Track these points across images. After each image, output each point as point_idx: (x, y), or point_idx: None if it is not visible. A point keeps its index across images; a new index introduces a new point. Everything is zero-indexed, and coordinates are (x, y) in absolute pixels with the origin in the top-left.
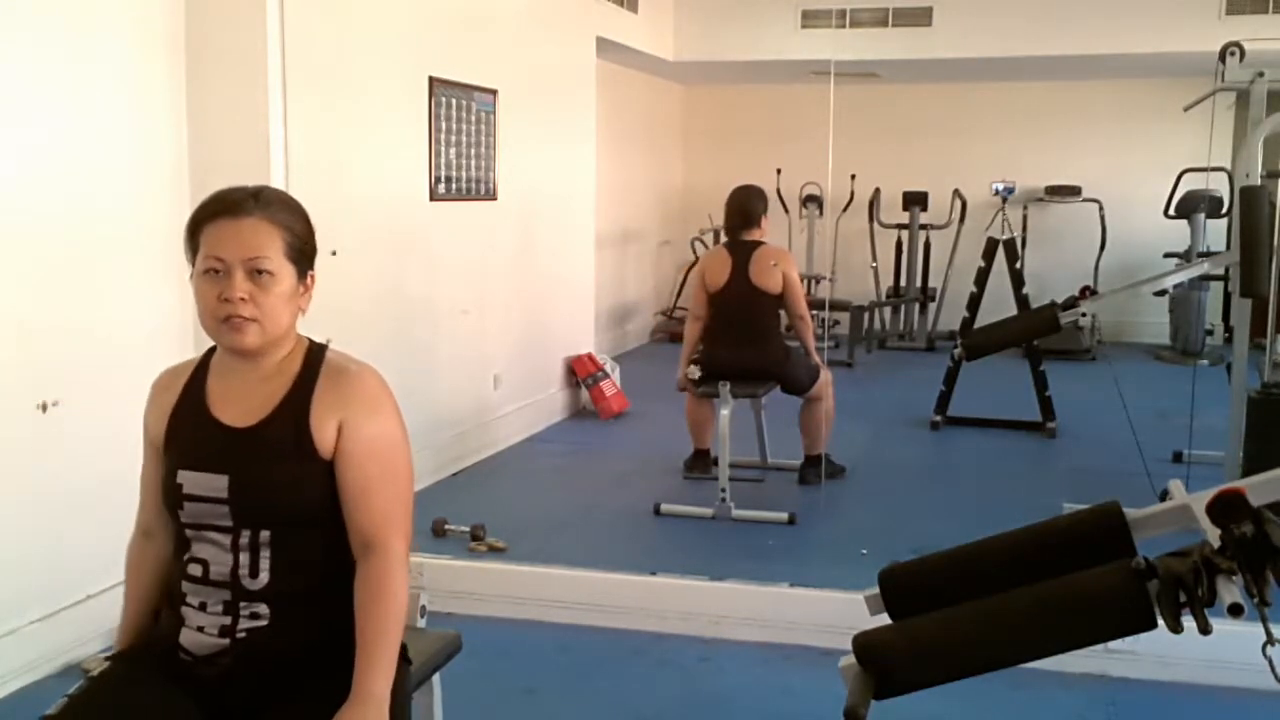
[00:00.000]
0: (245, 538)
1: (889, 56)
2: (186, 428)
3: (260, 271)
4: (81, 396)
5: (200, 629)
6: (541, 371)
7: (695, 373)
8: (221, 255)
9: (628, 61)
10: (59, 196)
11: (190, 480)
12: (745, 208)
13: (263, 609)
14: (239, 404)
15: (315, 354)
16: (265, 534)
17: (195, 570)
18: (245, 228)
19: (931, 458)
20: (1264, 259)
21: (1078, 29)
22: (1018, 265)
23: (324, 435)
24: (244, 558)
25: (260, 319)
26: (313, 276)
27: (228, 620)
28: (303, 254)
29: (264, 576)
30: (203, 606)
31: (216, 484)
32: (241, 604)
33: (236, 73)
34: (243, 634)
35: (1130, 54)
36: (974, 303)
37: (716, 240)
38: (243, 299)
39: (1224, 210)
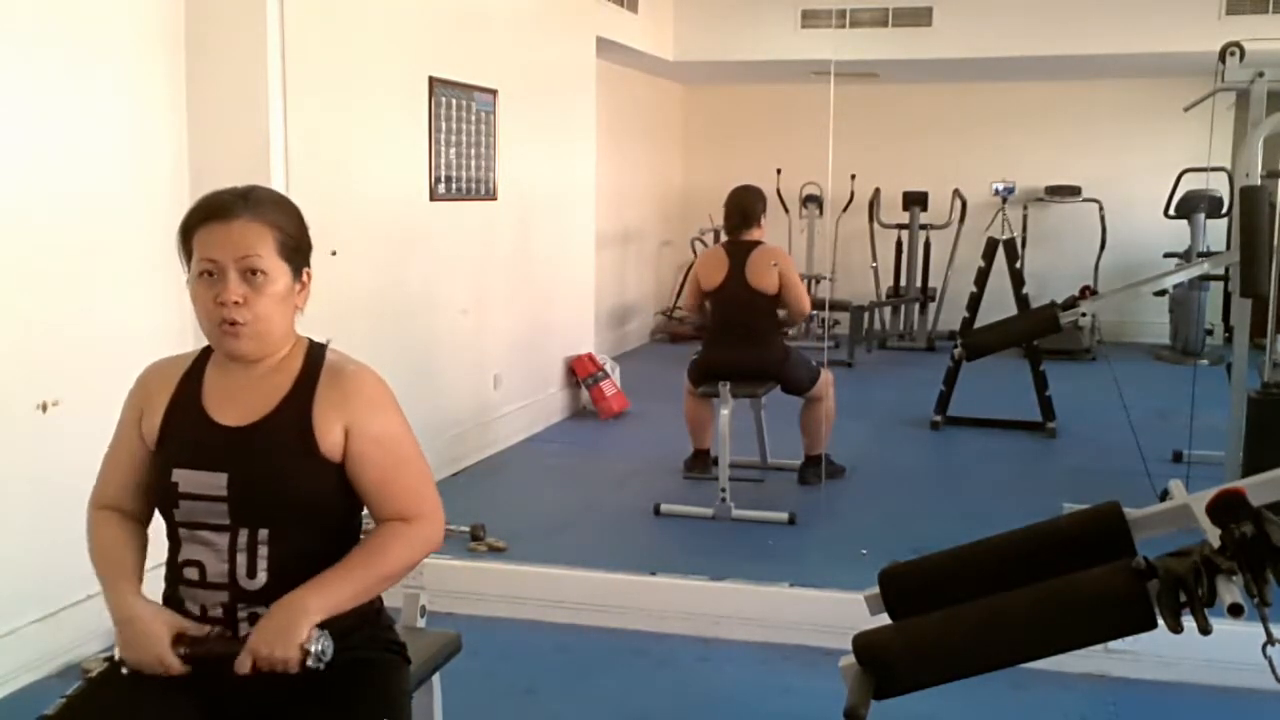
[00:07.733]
0: (243, 537)
1: (889, 56)
2: (182, 427)
3: (254, 271)
4: (81, 396)
5: None
6: (541, 371)
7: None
8: (214, 257)
9: (628, 61)
10: (59, 197)
11: (186, 479)
12: (744, 207)
13: (262, 610)
14: (238, 403)
15: (315, 353)
16: (263, 532)
17: (192, 574)
18: (235, 229)
19: (931, 458)
20: (1264, 259)
21: (1078, 29)
22: (1018, 265)
23: (326, 435)
24: (241, 558)
25: (256, 323)
26: (309, 274)
27: (227, 624)
28: (296, 251)
29: (262, 576)
30: (202, 611)
31: (215, 481)
32: (240, 605)
33: (236, 73)
34: (243, 637)
35: (1130, 54)
36: (974, 303)
37: (716, 240)
38: (237, 302)
39: (1224, 210)
